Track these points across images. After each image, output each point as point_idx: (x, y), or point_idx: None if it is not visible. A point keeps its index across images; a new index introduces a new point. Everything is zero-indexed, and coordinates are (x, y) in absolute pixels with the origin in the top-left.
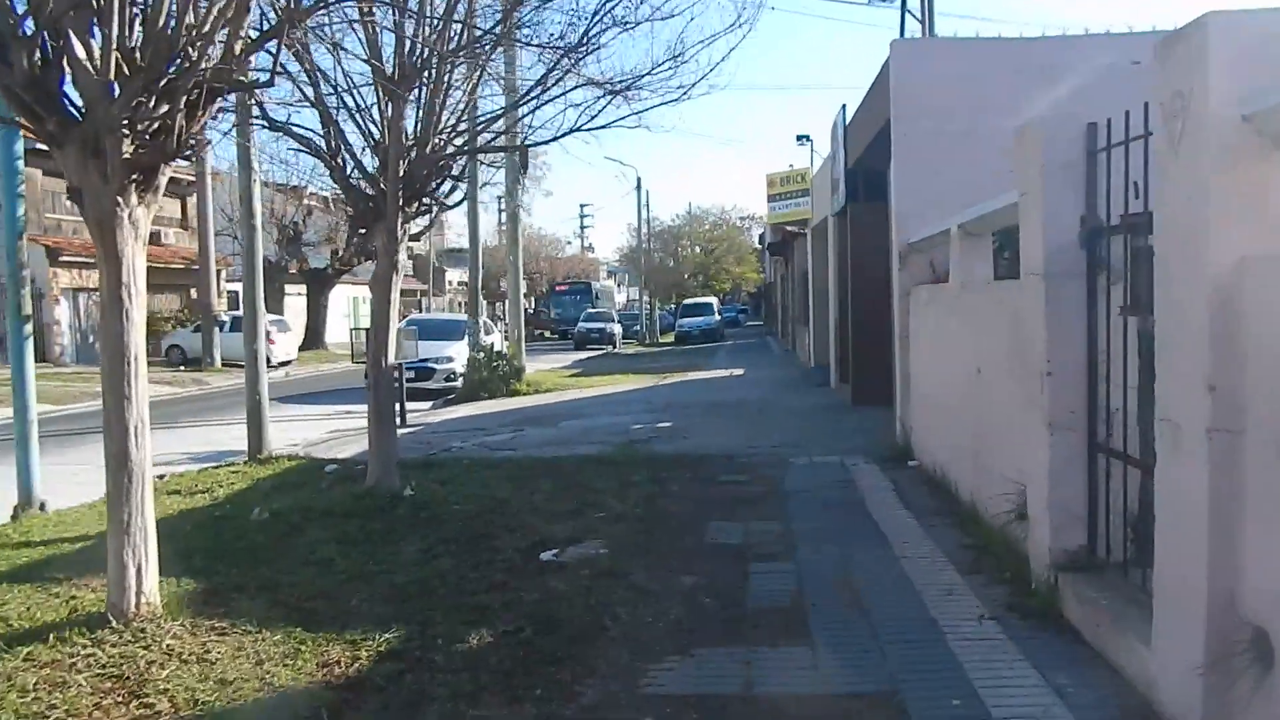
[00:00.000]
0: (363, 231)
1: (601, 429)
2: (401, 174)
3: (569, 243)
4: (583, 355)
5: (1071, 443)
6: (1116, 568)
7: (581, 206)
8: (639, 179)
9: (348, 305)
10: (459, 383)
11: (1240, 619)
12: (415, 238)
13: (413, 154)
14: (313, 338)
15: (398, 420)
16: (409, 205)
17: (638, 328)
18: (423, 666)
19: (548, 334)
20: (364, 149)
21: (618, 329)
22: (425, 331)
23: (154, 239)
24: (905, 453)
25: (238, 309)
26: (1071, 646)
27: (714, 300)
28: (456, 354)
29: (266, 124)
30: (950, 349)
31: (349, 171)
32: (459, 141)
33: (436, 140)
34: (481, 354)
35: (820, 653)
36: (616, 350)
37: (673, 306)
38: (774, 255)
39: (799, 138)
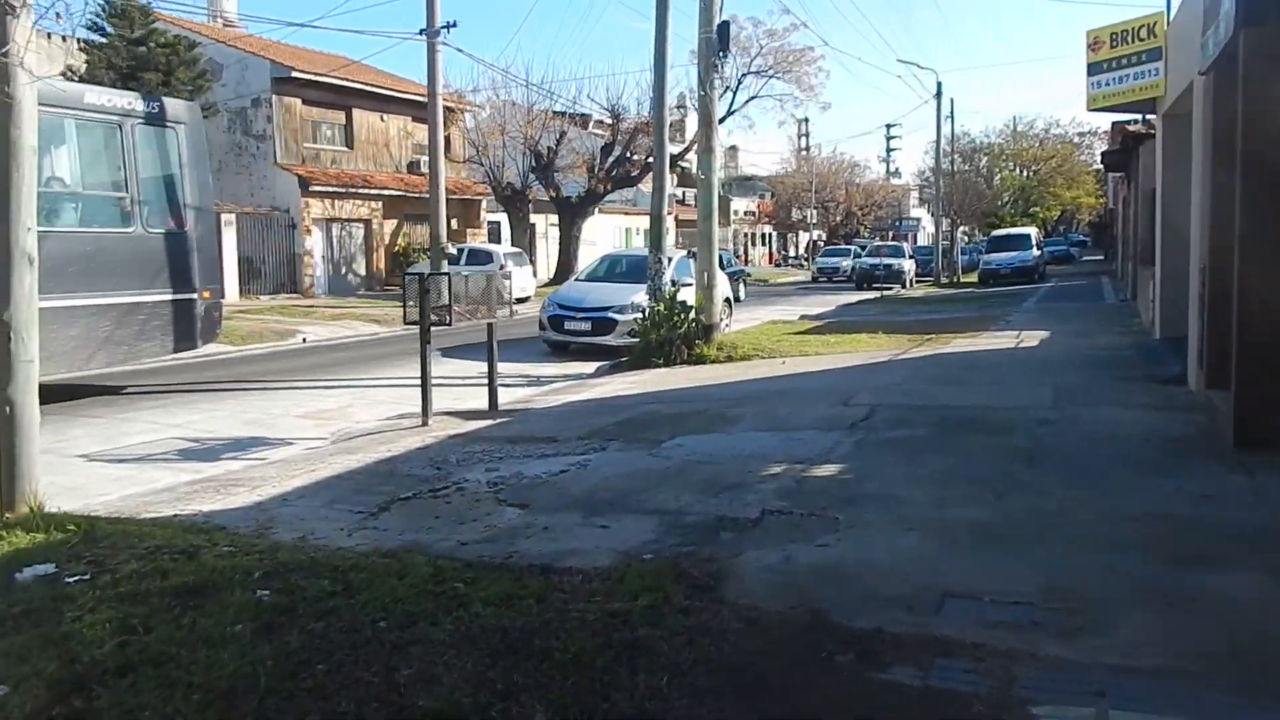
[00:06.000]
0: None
1: (712, 469)
2: None
3: (865, 167)
4: (857, 298)
5: None
6: None
7: (888, 127)
8: (939, 84)
9: (618, 236)
10: None
11: None
12: None
13: None
14: (564, 271)
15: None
16: None
17: (935, 264)
18: None
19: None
20: None
21: (909, 265)
22: (614, 271)
23: (413, 167)
24: None
25: (498, 241)
26: None
27: (1031, 231)
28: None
29: None
30: None
31: None
32: None
33: None
34: (661, 306)
35: None
36: (905, 291)
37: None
38: (1112, 170)
39: None
